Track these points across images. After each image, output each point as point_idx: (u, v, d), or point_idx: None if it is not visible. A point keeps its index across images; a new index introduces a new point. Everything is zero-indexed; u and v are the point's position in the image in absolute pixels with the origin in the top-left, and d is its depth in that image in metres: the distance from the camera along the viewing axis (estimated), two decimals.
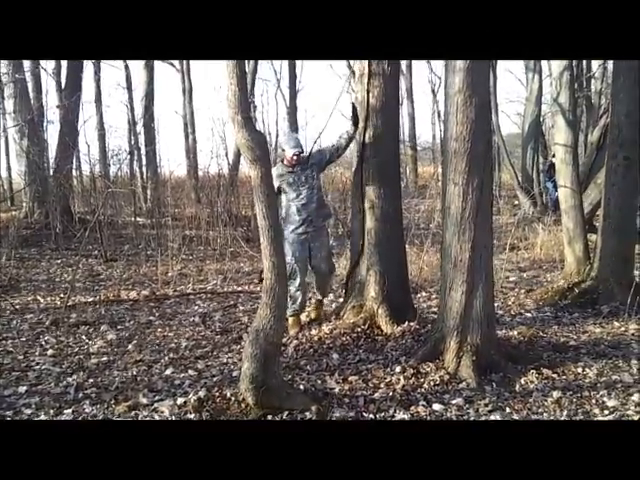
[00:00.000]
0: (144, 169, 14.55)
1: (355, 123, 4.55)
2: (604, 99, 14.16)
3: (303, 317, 4.94)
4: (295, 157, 4.55)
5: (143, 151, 14.49)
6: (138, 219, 10.59)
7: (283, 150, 4.67)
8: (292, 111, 17.16)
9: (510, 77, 63.22)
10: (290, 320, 4.71)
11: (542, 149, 15.23)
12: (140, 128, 14.67)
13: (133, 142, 14.72)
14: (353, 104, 4.59)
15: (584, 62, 14.71)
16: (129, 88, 15.41)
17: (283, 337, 3.85)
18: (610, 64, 10.73)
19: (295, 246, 4.63)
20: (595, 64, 15.05)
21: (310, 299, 5.07)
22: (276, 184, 4.31)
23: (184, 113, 17.99)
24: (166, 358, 4.23)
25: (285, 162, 4.64)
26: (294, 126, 15.65)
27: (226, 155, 12.46)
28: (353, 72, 4.94)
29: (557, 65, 7.13)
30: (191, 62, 17.72)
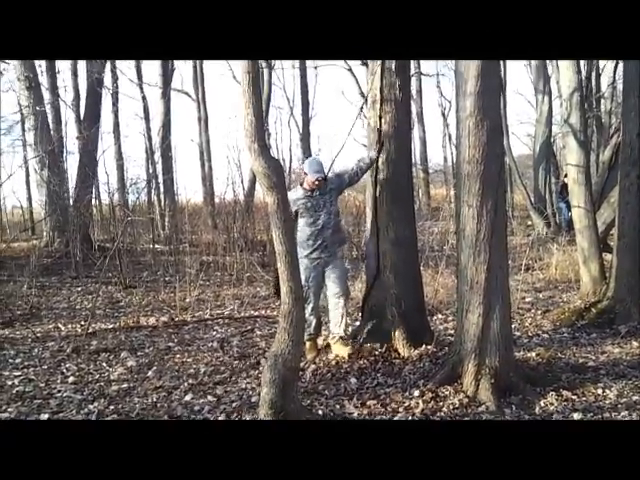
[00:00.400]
0: (162, 197, 14.77)
1: (379, 149, 4.58)
2: (614, 118, 14.20)
3: (320, 341, 4.89)
4: (317, 182, 4.48)
5: (161, 179, 14.72)
6: (156, 246, 10.71)
7: (305, 174, 4.58)
8: (305, 137, 17.39)
9: (520, 99, 63.42)
10: (307, 345, 4.61)
11: (554, 169, 15.24)
12: (157, 157, 14.93)
13: (151, 171, 14.98)
14: (379, 129, 4.60)
15: (593, 82, 14.78)
16: (146, 118, 15.74)
17: (301, 362, 3.88)
18: (620, 84, 10.78)
19: (308, 272, 4.53)
20: (604, 84, 15.11)
21: (328, 335, 4.82)
22: (293, 208, 4.31)
23: (200, 141, 18.28)
24: (185, 384, 4.25)
25: (305, 186, 4.57)
26: (307, 152, 15.83)
27: (242, 182, 12.65)
28: (365, 99, 5.03)
29: (567, 86, 7.20)
30: (206, 91, 18.05)
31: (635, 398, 3.69)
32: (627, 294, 5.37)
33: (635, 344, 4.83)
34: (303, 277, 4.32)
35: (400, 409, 3.62)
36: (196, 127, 18.29)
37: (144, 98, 15.85)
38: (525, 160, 22.70)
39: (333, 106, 51.11)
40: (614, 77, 14.17)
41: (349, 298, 5.10)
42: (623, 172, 5.58)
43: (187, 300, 7.10)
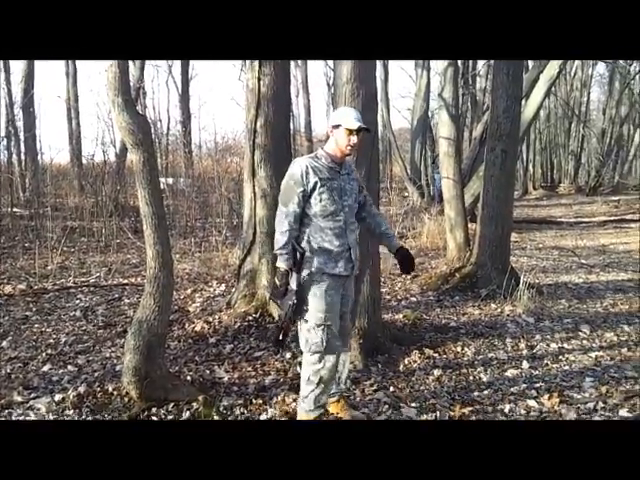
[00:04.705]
0: (22, 156, 13.62)
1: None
2: (488, 96, 15.09)
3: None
4: (354, 139, 2.80)
5: (22, 137, 13.58)
6: (15, 209, 9.98)
7: (335, 127, 2.85)
8: (184, 98, 16.75)
9: (402, 73, 65.86)
10: (334, 406, 3.09)
11: (429, 143, 16.00)
12: (18, 112, 13.71)
13: (10, 127, 13.71)
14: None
15: (470, 60, 15.56)
16: (6, 70, 14.30)
17: (168, 328, 3.75)
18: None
19: (329, 296, 2.82)
20: (480, 62, 15.97)
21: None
22: (311, 180, 2.76)
23: (67, 97, 16.95)
24: (44, 354, 4.03)
25: (331, 149, 2.87)
26: (186, 113, 15.28)
27: (112, 142, 11.91)
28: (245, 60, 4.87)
29: (442, 60, 7.48)
30: None
31: (490, 355, 4.00)
32: (488, 260, 5.75)
33: (493, 306, 5.22)
34: (322, 307, 2.80)
35: (272, 372, 3.66)
36: (63, 82, 16.96)
37: None
38: (404, 134, 23.64)
39: (214, 67, 49.53)
40: None
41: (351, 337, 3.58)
42: (489, 146, 5.93)
43: (48, 267, 6.68)
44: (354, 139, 2.79)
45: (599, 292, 5.84)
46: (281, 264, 2.80)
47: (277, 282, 2.86)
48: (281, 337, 2.84)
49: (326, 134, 2.97)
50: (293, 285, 2.79)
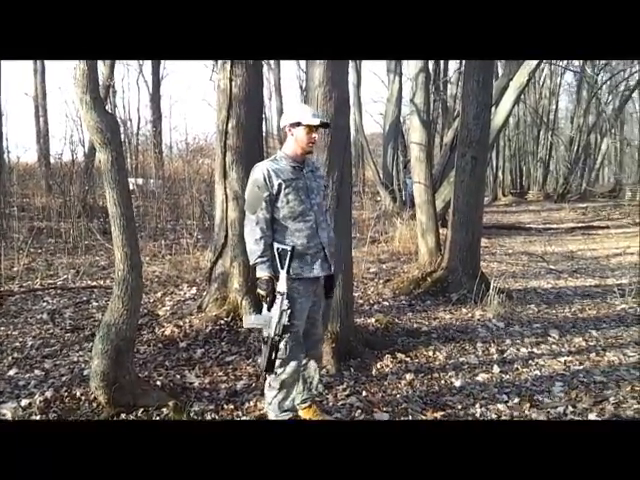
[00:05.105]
0: None
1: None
2: (459, 103, 15.31)
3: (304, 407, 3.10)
4: (315, 136, 2.79)
5: None
6: None
7: (295, 125, 2.76)
8: (155, 98, 16.55)
9: (374, 78, 66.23)
10: (305, 412, 3.06)
11: (401, 148, 16.13)
12: None
13: None
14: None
15: (441, 66, 15.77)
16: None
17: (137, 331, 3.68)
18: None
19: (299, 304, 2.78)
20: (452, 69, 16.20)
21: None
22: (275, 183, 2.71)
23: (35, 95, 16.58)
24: (9, 358, 3.93)
25: (290, 149, 2.82)
26: (157, 113, 15.09)
27: (81, 141, 11.66)
28: (217, 60, 4.82)
29: (414, 66, 7.55)
30: None
31: (462, 359, 4.02)
32: (459, 265, 5.81)
33: (464, 310, 5.26)
34: (295, 314, 2.74)
35: (243, 376, 3.62)
36: (31, 78, 16.59)
37: None
38: (377, 138, 23.80)
39: (185, 67, 49.07)
40: (461, 63, 15.18)
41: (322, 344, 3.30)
42: (459, 152, 6.00)
43: (14, 269, 6.49)
44: (315, 135, 2.78)
45: (567, 297, 5.94)
46: (263, 273, 2.70)
47: (261, 293, 2.71)
48: (273, 356, 2.66)
49: (284, 135, 2.91)
50: (282, 288, 2.68)
